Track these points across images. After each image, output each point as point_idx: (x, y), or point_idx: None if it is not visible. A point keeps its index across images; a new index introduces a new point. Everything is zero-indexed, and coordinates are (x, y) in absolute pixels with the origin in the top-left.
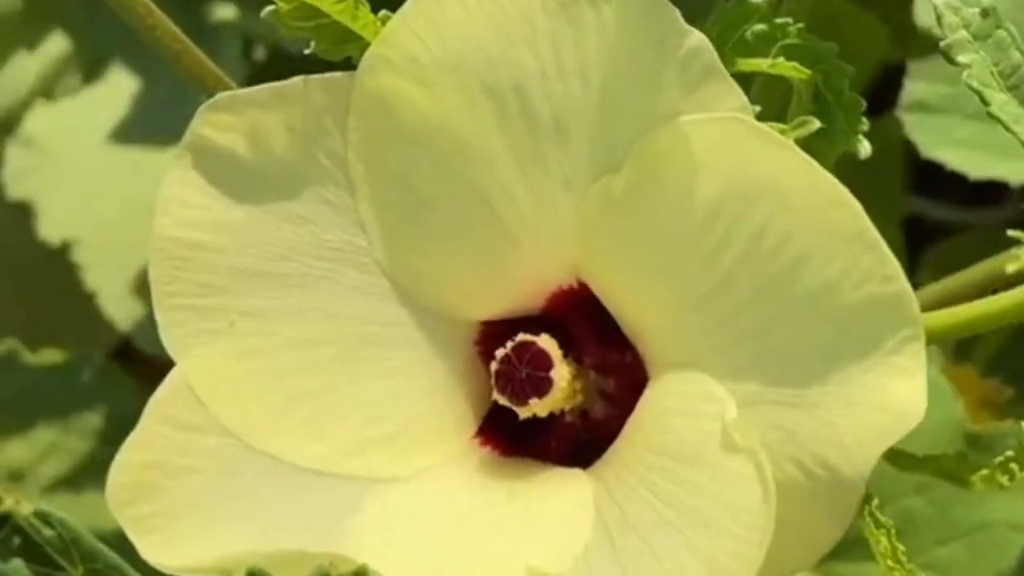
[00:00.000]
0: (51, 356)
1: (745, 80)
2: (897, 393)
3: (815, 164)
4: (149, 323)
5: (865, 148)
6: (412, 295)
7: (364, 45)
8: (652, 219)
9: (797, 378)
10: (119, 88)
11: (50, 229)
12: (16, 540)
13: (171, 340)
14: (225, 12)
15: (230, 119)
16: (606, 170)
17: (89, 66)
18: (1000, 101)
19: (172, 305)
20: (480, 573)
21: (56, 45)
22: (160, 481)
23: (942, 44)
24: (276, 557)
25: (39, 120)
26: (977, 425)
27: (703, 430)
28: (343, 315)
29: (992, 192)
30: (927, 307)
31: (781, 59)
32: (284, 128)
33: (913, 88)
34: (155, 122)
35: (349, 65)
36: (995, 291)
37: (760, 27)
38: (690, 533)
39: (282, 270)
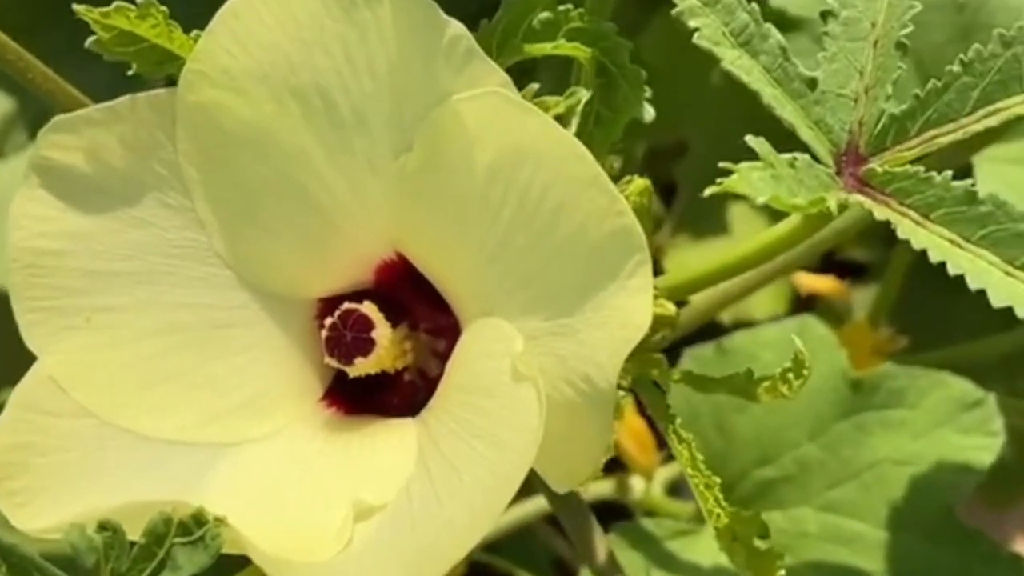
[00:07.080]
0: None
1: (549, 65)
2: (635, 309)
3: (557, 126)
4: None
5: (649, 113)
6: (252, 281)
7: (182, 63)
8: (442, 189)
9: (564, 310)
10: None
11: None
12: None
13: (33, 338)
14: None
15: (70, 139)
16: (403, 150)
17: (34, 123)
18: (732, 56)
19: (31, 307)
20: (313, 511)
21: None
22: (28, 460)
23: (674, 12)
24: (125, 509)
25: None
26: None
27: (497, 366)
28: (190, 304)
29: None
30: None
31: (563, 41)
32: (119, 143)
33: None
34: None
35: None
36: None
37: (546, 15)
38: (486, 452)
39: (130, 269)
